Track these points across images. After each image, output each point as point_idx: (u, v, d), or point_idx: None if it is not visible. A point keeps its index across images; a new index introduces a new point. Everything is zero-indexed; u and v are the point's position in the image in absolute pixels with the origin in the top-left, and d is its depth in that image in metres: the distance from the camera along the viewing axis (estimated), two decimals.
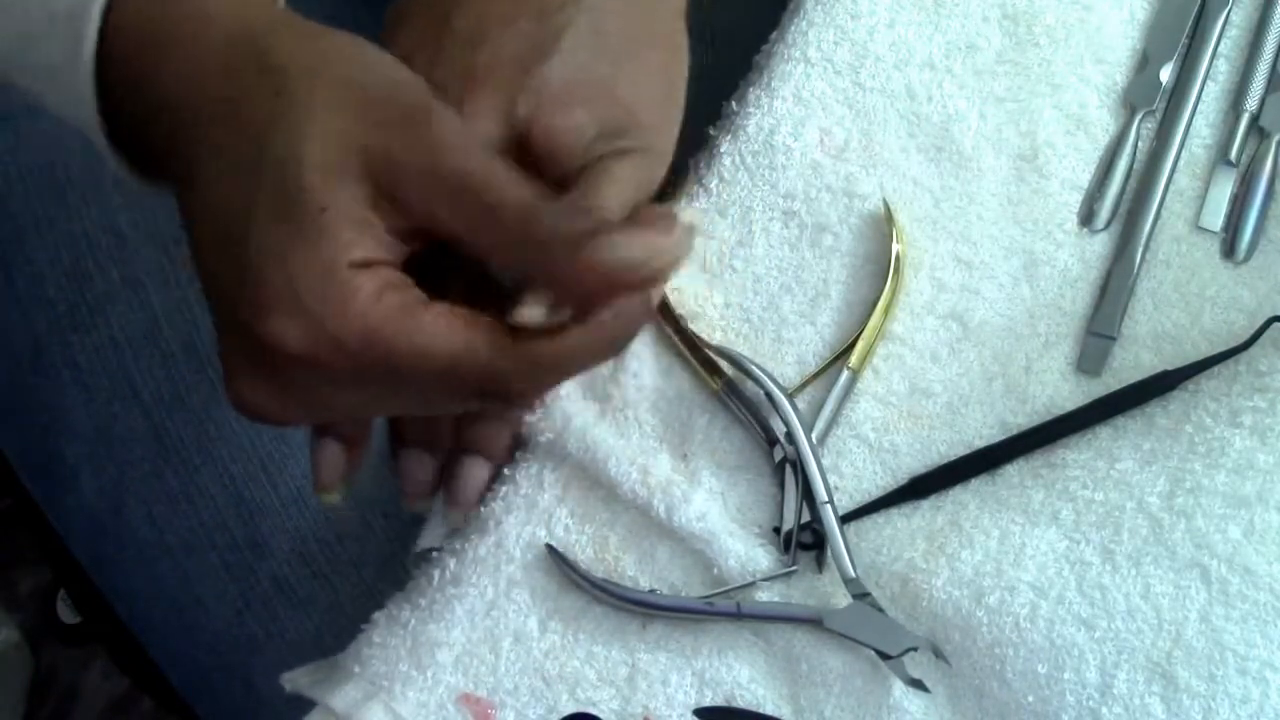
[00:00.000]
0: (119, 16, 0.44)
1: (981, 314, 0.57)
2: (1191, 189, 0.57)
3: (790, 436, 0.54)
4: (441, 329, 0.42)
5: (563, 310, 0.42)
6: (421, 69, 0.45)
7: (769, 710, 0.53)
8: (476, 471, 0.54)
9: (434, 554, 0.57)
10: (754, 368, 0.55)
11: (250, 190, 0.42)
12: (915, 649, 0.51)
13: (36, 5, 0.45)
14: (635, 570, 0.54)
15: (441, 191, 0.42)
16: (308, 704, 0.54)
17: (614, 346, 0.45)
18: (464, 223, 0.42)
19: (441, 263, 0.45)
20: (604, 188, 0.44)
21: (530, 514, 0.55)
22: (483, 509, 0.56)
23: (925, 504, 0.54)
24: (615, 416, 0.56)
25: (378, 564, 0.67)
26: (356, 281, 0.41)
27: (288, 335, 0.41)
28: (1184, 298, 0.56)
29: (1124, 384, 0.55)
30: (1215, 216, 0.57)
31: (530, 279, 0.43)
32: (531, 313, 0.42)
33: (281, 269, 0.41)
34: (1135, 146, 0.58)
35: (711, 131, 0.60)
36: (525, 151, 0.45)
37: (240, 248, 0.42)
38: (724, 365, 0.55)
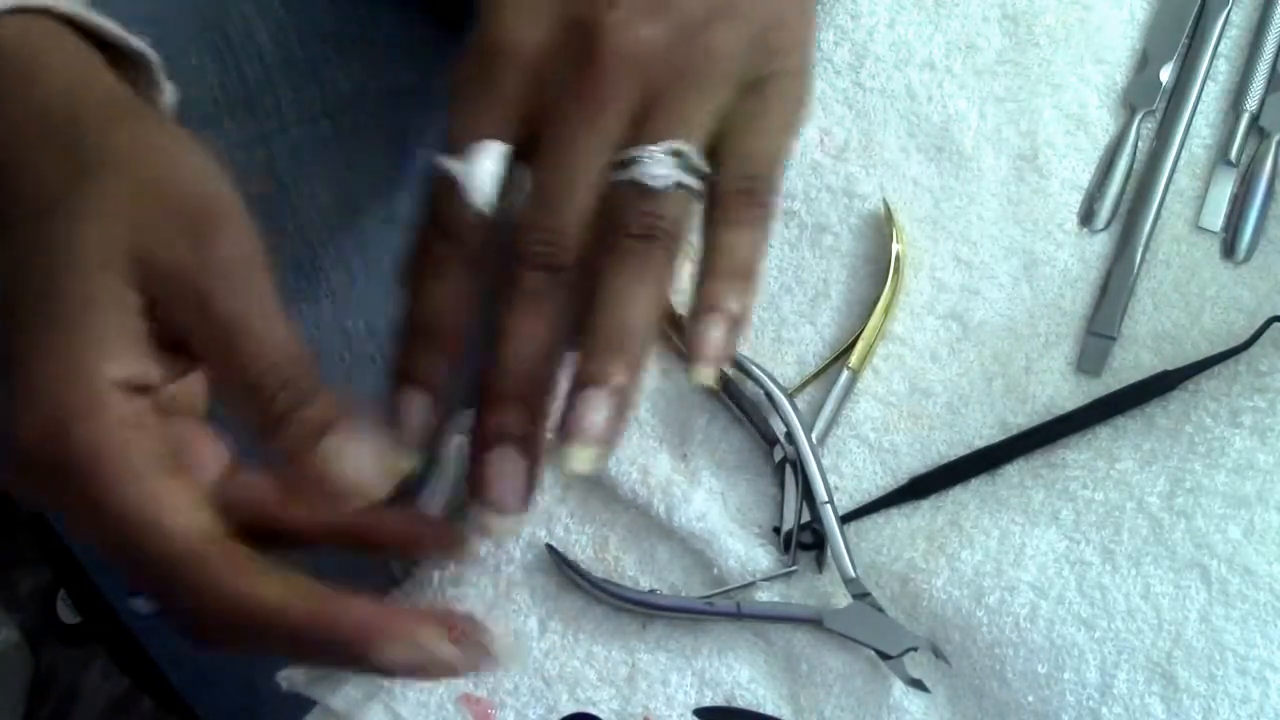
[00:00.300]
0: None
1: (981, 314, 0.57)
2: (1191, 189, 0.58)
3: (790, 436, 0.54)
4: (159, 499, 0.39)
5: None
6: None
7: (769, 710, 0.53)
8: (717, 329, 0.45)
9: None
10: (754, 368, 0.55)
11: (25, 272, 0.40)
12: (915, 649, 0.51)
13: None
14: (635, 570, 0.54)
15: (196, 312, 0.40)
16: (308, 704, 0.54)
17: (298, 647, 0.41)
18: (209, 352, 0.40)
19: None
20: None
21: (530, 514, 0.55)
22: None
23: (925, 504, 0.54)
24: None
25: (380, 565, 0.67)
26: (110, 400, 0.39)
27: (28, 435, 0.39)
28: (1184, 298, 0.56)
29: (1124, 384, 0.55)
30: (1215, 216, 0.57)
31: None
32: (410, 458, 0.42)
33: (37, 365, 0.39)
34: (1135, 146, 0.58)
35: None
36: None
37: (7, 330, 0.40)
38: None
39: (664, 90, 0.44)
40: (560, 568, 0.54)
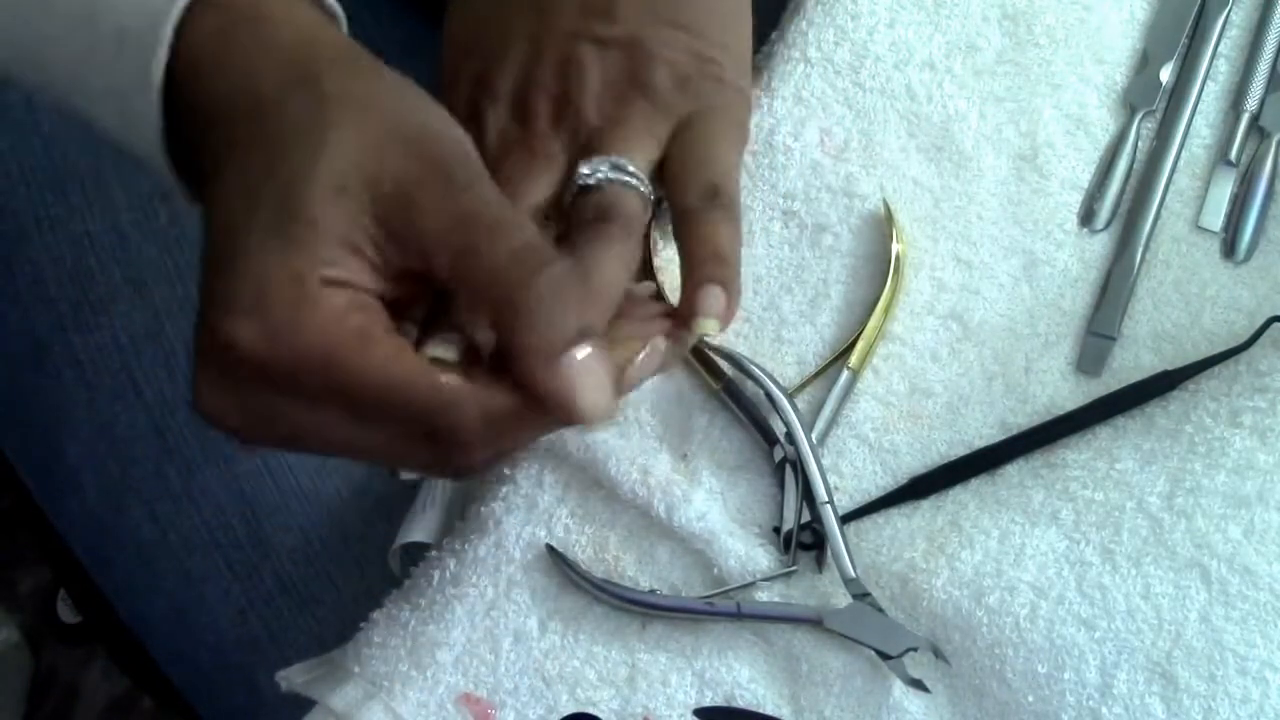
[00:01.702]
0: (191, 34, 0.44)
1: (981, 314, 0.57)
2: (1191, 189, 0.58)
3: (790, 436, 0.54)
4: (391, 358, 0.41)
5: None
6: None
7: (769, 710, 0.53)
8: (717, 290, 0.48)
9: (431, 553, 0.57)
10: (754, 368, 0.55)
11: (256, 192, 0.42)
12: (915, 649, 0.51)
13: (106, 24, 0.44)
14: (635, 570, 0.54)
15: (437, 234, 0.42)
16: (308, 704, 0.54)
17: (576, 418, 0.43)
18: (450, 271, 0.42)
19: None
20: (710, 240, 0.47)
21: (530, 514, 0.55)
22: (483, 509, 0.56)
23: (925, 504, 0.54)
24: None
25: (380, 564, 0.67)
26: (323, 296, 0.41)
27: (244, 336, 0.41)
28: (1184, 298, 0.56)
29: (1124, 384, 0.55)
30: (1215, 216, 0.57)
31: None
32: (440, 351, 0.43)
33: (253, 269, 0.41)
34: (1135, 146, 0.58)
35: None
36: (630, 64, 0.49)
37: (228, 246, 0.42)
38: (724, 365, 0.55)
39: (600, 135, 0.49)
40: (560, 568, 0.54)
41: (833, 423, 0.55)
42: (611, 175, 0.48)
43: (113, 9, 0.44)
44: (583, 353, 0.41)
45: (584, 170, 0.48)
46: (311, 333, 0.41)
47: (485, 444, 0.43)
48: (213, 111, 0.44)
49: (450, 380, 0.42)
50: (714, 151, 0.50)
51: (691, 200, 0.49)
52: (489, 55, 0.52)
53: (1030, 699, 0.51)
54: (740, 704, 0.53)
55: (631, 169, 0.48)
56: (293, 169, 0.41)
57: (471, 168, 0.43)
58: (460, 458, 0.43)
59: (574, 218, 0.48)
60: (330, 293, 0.41)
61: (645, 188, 0.49)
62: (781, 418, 0.54)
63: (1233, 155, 0.57)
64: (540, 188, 0.49)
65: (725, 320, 0.47)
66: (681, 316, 0.47)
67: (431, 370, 0.42)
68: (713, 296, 0.47)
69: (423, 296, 0.45)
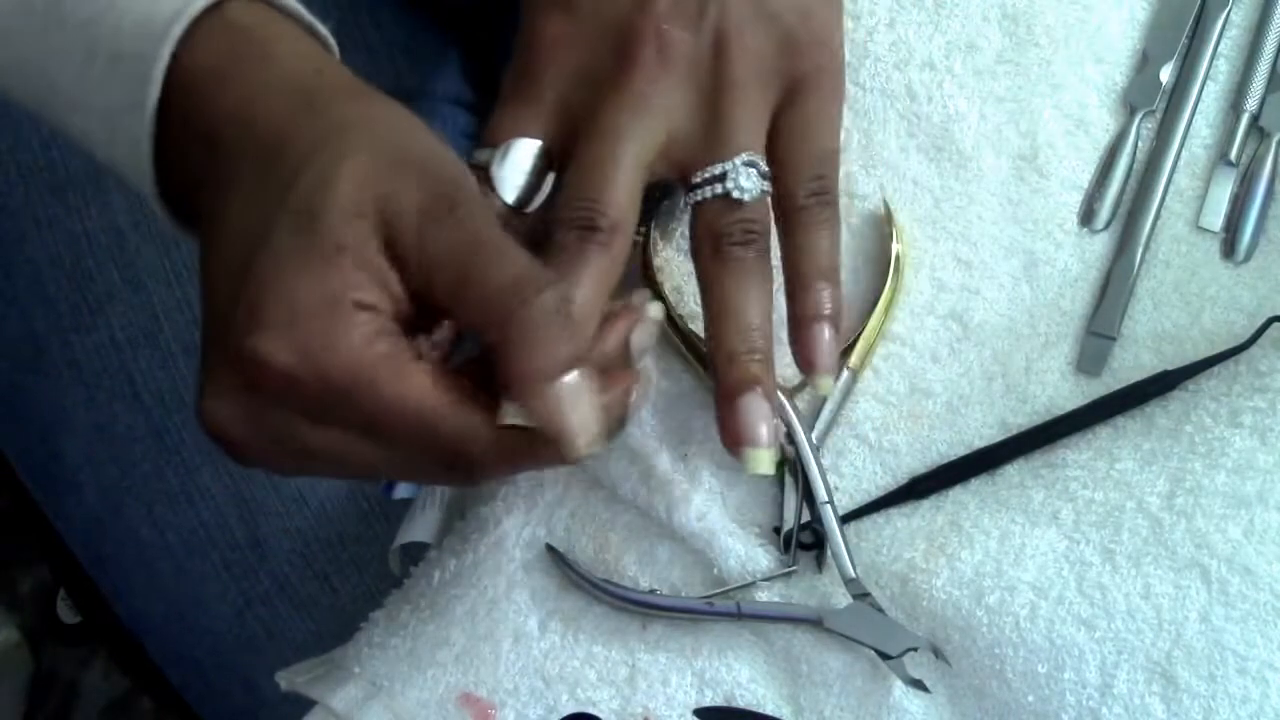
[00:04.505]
0: (189, 57, 0.44)
1: (981, 314, 0.57)
2: (1191, 189, 0.57)
3: (790, 436, 0.54)
4: (424, 388, 0.42)
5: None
6: None
7: (769, 710, 0.53)
8: (826, 335, 0.50)
9: (431, 553, 0.57)
10: None
11: (272, 215, 0.42)
12: (915, 649, 0.51)
13: (104, 44, 0.45)
14: (635, 570, 0.54)
15: (439, 258, 0.42)
16: (308, 704, 0.54)
17: (566, 441, 0.44)
18: (451, 294, 0.43)
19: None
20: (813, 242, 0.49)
21: (530, 514, 0.55)
22: (483, 509, 0.56)
23: (925, 504, 0.54)
24: None
25: (379, 564, 0.67)
26: (357, 319, 0.41)
27: (277, 353, 0.41)
28: (1184, 298, 0.56)
29: (1124, 384, 0.55)
30: (1215, 216, 0.57)
31: None
32: (514, 415, 0.43)
33: (287, 289, 0.41)
34: (1135, 146, 0.58)
35: None
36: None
37: (249, 267, 0.42)
38: None
39: (715, 98, 0.48)
40: (560, 568, 0.54)
41: (833, 423, 0.55)
42: (764, 185, 0.48)
43: (114, 29, 0.44)
44: (570, 378, 0.42)
45: (732, 175, 0.48)
46: (345, 355, 0.41)
47: (498, 470, 0.44)
48: (214, 133, 0.44)
49: (476, 415, 0.42)
50: (823, 129, 0.50)
51: (802, 198, 0.49)
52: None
53: (1030, 699, 0.51)
54: (740, 704, 0.53)
55: (766, 169, 0.48)
56: (311, 193, 0.42)
57: (471, 194, 0.44)
58: (471, 479, 0.45)
59: (709, 234, 0.49)
60: (362, 317, 0.42)
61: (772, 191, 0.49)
62: (781, 418, 0.54)
63: (1233, 155, 0.57)
64: (636, 144, 0.49)
65: (837, 357, 0.51)
66: (800, 356, 0.50)
67: (459, 403, 0.42)
68: (823, 340, 0.49)
69: (426, 317, 0.45)
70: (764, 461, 0.48)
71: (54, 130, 0.48)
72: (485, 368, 0.43)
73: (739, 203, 0.48)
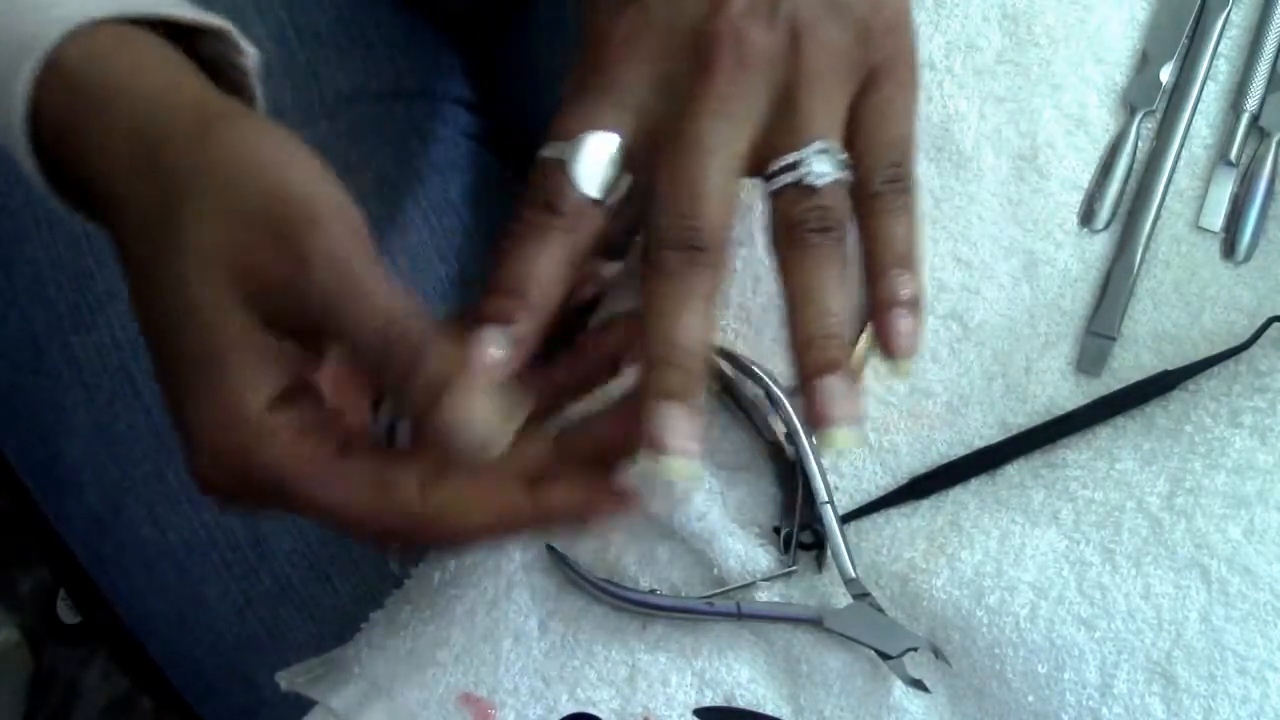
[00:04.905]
0: (44, 113, 0.44)
1: (981, 314, 0.57)
2: (1191, 189, 0.58)
3: (790, 436, 0.54)
4: (347, 488, 0.44)
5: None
6: None
7: (769, 710, 0.53)
8: (906, 320, 0.49)
9: (431, 553, 0.57)
10: (754, 368, 0.55)
11: (157, 309, 0.43)
12: (915, 649, 0.51)
13: None
14: (635, 570, 0.54)
15: (307, 310, 0.43)
16: (308, 704, 0.54)
17: (524, 529, 0.47)
18: (339, 340, 0.43)
19: None
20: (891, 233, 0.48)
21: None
22: None
23: (925, 504, 0.54)
24: None
25: (379, 564, 0.67)
26: (268, 427, 0.43)
27: (212, 477, 0.43)
28: (1184, 298, 0.56)
29: (1124, 384, 0.55)
30: (1215, 216, 0.57)
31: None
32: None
33: (195, 415, 0.43)
34: (1135, 146, 0.58)
35: None
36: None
37: (158, 357, 0.43)
38: (724, 365, 0.55)
39: (792, 92, 0.48)
40: (560, 568, 0.54)
41: None
42: (840, 172, 0.48)
43: None
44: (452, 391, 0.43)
45: (806, 162, 0.47)
46: (270, 470, 0.43)
47: (437, 542, 0.48)
48: (81, 187, 0.44)
49: (407, 501, 0.44)
50: (897, 116, 0.49)
51: (877, 184, 0.48)
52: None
53: (1030, 699, 0.51)
54: (740, 704, 0.53)
55: (843, 157, 0.48)
56: (172, 290, 0.42)
57: (330, 234, 0.43)
58: (410, 553, 0.49)
59: (784, 222, 0.48)
60: (275, 421, 0.43)
61: (850, 179, 0.48)
62: (781, 418, 0.54)
63: (1233, 155, 0.57)
64: (725, 154, 0.48)
65: (918, 343, 0.49)
66: (878, 324, 0.49)
67: (386, 494, 0.44)
68: (904, 326, 0.48)
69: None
70: (850, 439, 0.47)
71: None
72: None
73: (813, 189, 0.47)
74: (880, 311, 0.49)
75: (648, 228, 0.46)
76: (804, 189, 0.47)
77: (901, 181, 0.49)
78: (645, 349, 0.45)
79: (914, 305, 0.48)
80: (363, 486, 0.44)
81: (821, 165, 0.47)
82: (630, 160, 0.47)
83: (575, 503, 0.47)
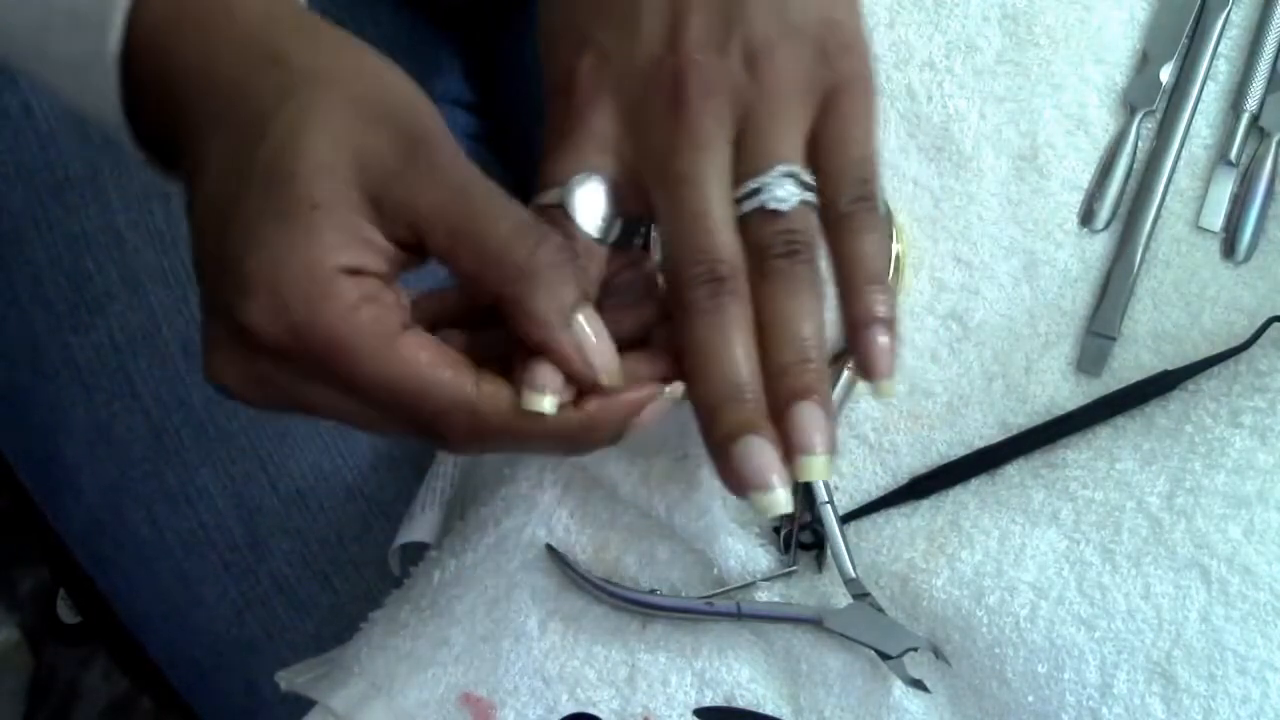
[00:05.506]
0: (143, 12, 0.44)
1: (981, 314, 0.57)
2: (1191, 189, 0.57)
3: None
4: (404, 361, 0.43)
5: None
6: None
7: (769, 710, 0.53)
8: (883, 339, 0.48)
9: (431, 553, 0.57)
10: None
11: (245, 176, 0.42)
12: (915, 649, 0.51)
13: (60, 2, 0.44)
14: (635, 570, 0.54)
15: (429, 211, 0.42)
16: (308, 704, 0.54)
17: (578, 445, 0.46)
18: (447, 246, 0.43)
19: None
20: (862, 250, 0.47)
21: (530, 514, 0.55)
22: (483, 509, 0.56)
23: (925, 504, 0.54)
24: None
25: (379, 564, 0.67)
26: (337, 287, 0.42)
27: (263, 323, 0.42)
28: (1184, 298, 0.56)
29: (1124, 384, 0.55)
30: (1215, 216, 0.57)
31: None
32: (540, 401, 0.43)
33: (267, 255, 0.41)
34: (1135, 146, 0.58)
35: None
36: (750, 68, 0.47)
37: (229, 232, 0.42)
38: None
39: (754, 117, 0.48)
40: (560, 568, 0.54)
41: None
42: (803, 194, 0.47)
43: None
44: (587, 311, 0.44)
45: (768, 187, 0.47)
46: (327, 327, 0.42)
47: (475, 444, 0.45)
48: (176, 93, 0.44)
49: (462, 391, 0.43)
50: (860, 134, 0.49)
51: (845, 204, 0.48)
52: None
53: (1030, 699, 0.51)
54: (740, 704, 0.53)
55: (808, 179, 0.48)
56: (280, 152, 0.42)
57: (449, 141, 0.44)
58: (448, 448, 0.46)
59: (752, 249, 0.47)
60: (344, 284, 0.42)
61: (817, 201, 0.48)
62: None
63: (1233, 155, 0.57)
64: (720, 184, 0.48)
65: (895, 362, 0.48)
66: (859, 362, 0.48)
67: (440, 376, 0.43)
68: (881, 344, 0.47)
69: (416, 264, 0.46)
70: (821, 469, 0.46)
71: (27, 78, 0.48)
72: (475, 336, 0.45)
73: (777, 214, 0.47)
74: (857, 331, 0.48)
75: (666, 274, 0.47)
76: (769, 213, 0.47)
77: (870, 200, 0.49)
78: (702, 394, 0.46)
79: (890, 323, 0.48)
80: (416, 361, 0.43)
81: (785, 189, 0.47)
82: (618, 199, 0.47)
83: (618, 413, 0.46)
